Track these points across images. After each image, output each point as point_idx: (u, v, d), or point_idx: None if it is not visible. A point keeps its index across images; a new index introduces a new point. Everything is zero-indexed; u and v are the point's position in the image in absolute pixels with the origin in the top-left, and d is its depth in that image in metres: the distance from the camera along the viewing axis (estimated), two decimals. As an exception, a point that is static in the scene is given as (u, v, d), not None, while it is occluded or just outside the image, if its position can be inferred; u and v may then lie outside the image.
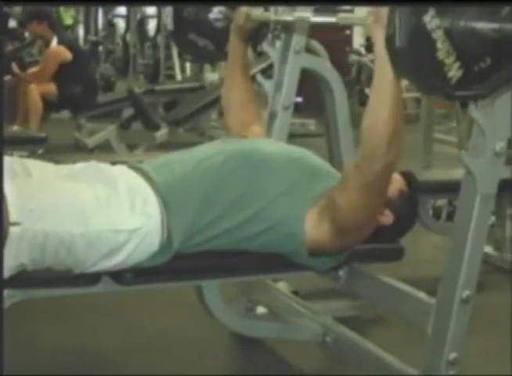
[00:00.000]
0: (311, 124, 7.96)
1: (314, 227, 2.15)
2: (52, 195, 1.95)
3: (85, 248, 1.93)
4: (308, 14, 2.37)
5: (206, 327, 3.07)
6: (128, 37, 11.78)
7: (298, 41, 2.97)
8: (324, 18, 2.31)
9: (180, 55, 10.10)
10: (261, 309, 3.15)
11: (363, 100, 10.20)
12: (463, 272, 2.14)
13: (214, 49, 2.81)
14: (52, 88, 6.73)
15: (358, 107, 9.93)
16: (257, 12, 2.62)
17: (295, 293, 3.19)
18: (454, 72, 1.55)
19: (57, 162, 2.29)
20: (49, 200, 1.93)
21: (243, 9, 2.62)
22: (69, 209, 1.93)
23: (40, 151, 5.08)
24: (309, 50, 3.25)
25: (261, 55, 7.81)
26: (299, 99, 7.28)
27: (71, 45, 7.07)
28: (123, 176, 2.11)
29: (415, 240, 4.08)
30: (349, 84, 9.18)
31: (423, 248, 4.37)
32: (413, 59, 1.53)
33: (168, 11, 2.81)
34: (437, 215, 4.37)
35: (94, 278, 2.04)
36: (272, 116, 2.97)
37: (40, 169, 2.16)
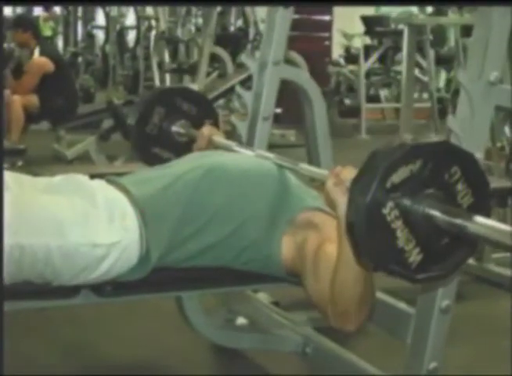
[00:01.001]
0: (291, 135, 7.98)
1: (290, 258, 2.08)
2: (28, 208, 1.93)
3: (63, 261, 1.91)
4: (271, 155, 2.34)
5: (186, 338, 3.06)
6: (108, 48, 11.79)
7: (276, 52, 2.98)
8: (287, 163, 2.23)
9: (159, 66, 10.13)
10: (241, 320, 3.14)
11: (342, 111, 10.28)
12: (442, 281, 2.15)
13: None
14: (34, 99, 6.70)
15: (337, 118, 9.98)
16: (220, 139, 2.57)
17: (275, 303, 3.19)
18: (414, 257, 1.56)
19: (36, 174, 2.28)
20: (26, 213, 1.91)
21: (206, 133, 2.58)
22: (45, 222, 1.91)
23: (20, 163, 5.06)
24: (288, 61, 3.26)
25: (240, 66, 7.84)
26: (278, 110, 7.31)
27: (54, 55, 7.04)
28: (101, 190, 2.09)
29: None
30: (328, 94, 9.22)
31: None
32: (373, 247, 1.54)
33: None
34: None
35: (73, 290, 2.03)
36: (252, 127, 2.98)
37: (17, 182, 2.14)
